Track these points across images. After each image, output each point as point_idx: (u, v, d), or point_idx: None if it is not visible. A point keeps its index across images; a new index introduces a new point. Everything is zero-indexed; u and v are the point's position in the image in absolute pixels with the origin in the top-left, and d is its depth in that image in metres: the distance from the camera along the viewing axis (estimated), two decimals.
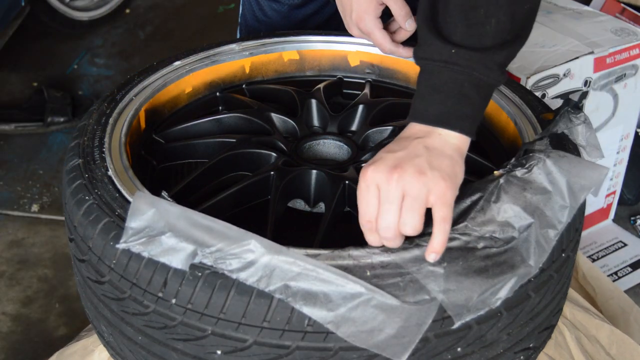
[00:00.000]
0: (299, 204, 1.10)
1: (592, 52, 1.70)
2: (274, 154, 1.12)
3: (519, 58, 1.66)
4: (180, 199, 1.04)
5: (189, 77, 1.26)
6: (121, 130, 1.08)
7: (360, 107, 1.25)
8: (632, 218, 2.17)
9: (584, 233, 2.04)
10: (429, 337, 0.83)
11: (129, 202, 0.93)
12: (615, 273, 1.96)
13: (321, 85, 1.31)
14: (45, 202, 2.31)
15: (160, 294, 0.84)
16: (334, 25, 1.48)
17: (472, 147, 1.19)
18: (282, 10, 1.47)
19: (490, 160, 1.14)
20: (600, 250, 2.02)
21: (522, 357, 0.95)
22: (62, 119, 2.60)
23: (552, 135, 1.04)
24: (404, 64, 1.33)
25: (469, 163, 1.13)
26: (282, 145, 1.15)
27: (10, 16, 2.73)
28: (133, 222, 0.83)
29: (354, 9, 1.21)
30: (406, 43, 1.25)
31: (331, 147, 1.21)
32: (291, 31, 1.39)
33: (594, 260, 1.98)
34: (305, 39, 1.36)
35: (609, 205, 2.08)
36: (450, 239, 0.85)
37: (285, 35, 1.37)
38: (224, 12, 3.39)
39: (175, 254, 0.82)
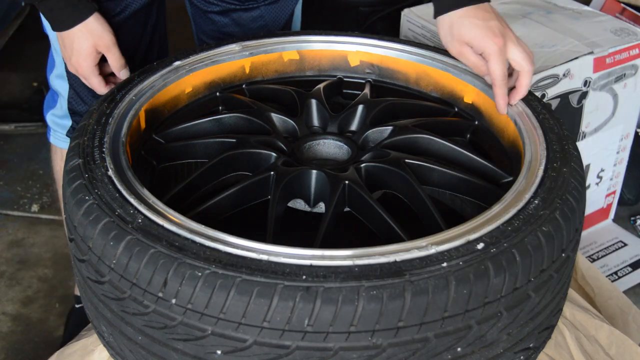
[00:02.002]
0: (299, 204, 1.11)
1: (591, 52, 1.70)
2: (274, 154, 1.12)
3: None
4: (181, 200, 1.04)
5: (189, 77, 1.26)
6: (121, 130, 1.08)
7: (360, 107, 1.25)
8: (632, 218, 2.17)
9: (584, 233, 2.04)
10: (428, 337, 0.83)
11: (128, 202, 0.93)
12: (615, 273, 1.96)
13: (321, 85, 1.31)
14: (45, 202, 2.31)
15: (160, 294, 0.84)
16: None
17: (473, 147, 1.20)
18: None
19: (491, 160, 1.14)
20: (600, 250, 2.02)
21: (522, 357, 0.95)
22: None
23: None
24: (404, 64, 1.33)
25: (470, 164, 1.14)
26: (282, 145, 1.15)
27: (10, 16, 2.74)
28: None
29: (74, 54, 1.29)
30: None
31: (331, 147, 1.21)
32: (291, 31, 1.39)
33: (594, 260, 1.99)
34: (305, 39, 1.36)
35: (609, 205, 2.09)
36: None
37: (285, 35, 1.37)
38: None
39: None
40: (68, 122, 1.55)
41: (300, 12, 1.59)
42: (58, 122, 1.56)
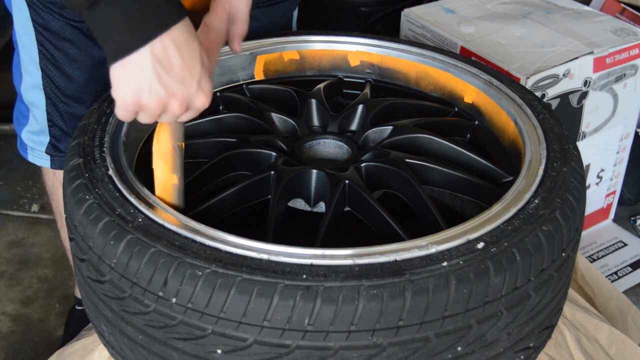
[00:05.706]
0: (300, 204, 1.11)
1: (591, 52, 1.70)
2: (274, 154, 1.12)
3: (519, 58, 1.67)
4: None
5: None
6: (121, 130, 1.08)
7: (361, 107, 1.25)
8: (632, 218, 2.17)
9: (584, 233, 2.04)
10: (429, 336, 0.83)
11: (129, 202, 0.93)
12: (615, 273, 1.96)
13: (321, 85, 1.31)
14: (45, 202, 2.31)
15: (160, 293, 0.84)
16: None
17: (473, 147, 1.20)
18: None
19: (491, 159, 1.14)
20: (600, 250, 2.02)
21: (522, 357, 0.95)
22: None
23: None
24: (404, 64, 1.34)
25: (470, 164, 1.14)
26: (282, 145, 1.15)
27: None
28: None
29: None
30: None
31: (331, 146, 1.21)
32: (291, 31, 1.39)
33: (593, 260, 1.99)
34: (306, 39, 1.36)
35: (609, 205, 2.09)
36: None
37: (286, 35, 1.37)
38: None
39: None
40: (46, 139, 1.39)
41: (296, 18, 1.57)
42: (35, 139, 1.41)
